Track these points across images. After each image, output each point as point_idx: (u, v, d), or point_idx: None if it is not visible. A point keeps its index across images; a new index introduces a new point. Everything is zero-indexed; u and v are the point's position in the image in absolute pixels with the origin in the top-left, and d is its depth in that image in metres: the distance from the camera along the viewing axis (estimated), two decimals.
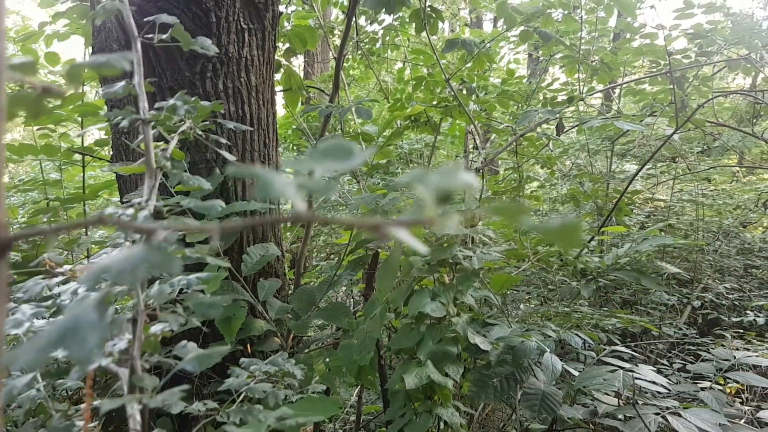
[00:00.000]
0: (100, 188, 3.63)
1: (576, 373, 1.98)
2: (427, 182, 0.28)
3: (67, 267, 0.89)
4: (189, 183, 0.98)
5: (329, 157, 0.31)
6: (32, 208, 3.32)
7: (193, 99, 0.98)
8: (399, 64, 6.65)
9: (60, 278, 0.86)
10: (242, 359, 1.03)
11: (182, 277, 0.81)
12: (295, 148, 6.20)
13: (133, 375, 0.62)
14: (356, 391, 3.27)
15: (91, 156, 3.52)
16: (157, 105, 0.88)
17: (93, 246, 3.31)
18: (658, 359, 3.73)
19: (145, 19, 0.90)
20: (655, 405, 1.82)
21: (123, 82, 0.81)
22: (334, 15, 7.93)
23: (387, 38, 5.05)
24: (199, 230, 0.30)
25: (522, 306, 3.70)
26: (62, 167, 3.76)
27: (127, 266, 0.29)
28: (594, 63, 3.03)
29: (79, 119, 3.57)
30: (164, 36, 0.90)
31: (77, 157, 3.61)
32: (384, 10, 2.28)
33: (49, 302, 0.84)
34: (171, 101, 0.91)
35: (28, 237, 0.32)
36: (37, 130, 3.95)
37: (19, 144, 3.35)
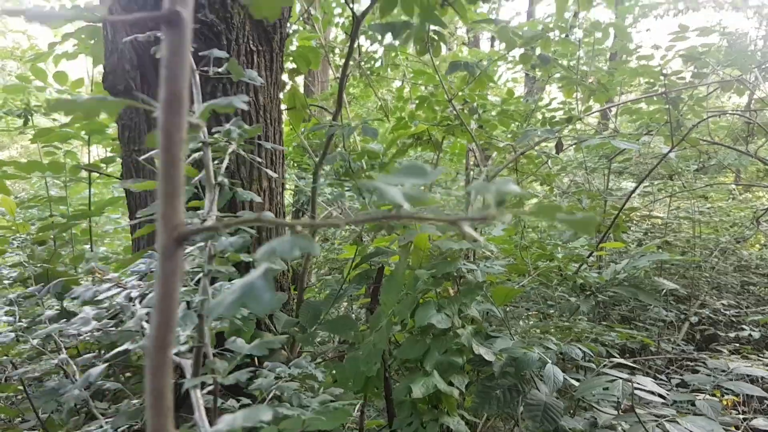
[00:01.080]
0: (105, 205, 3.69)
1: (577, 384, 2.04)
2: (490, 189, 0.34)
3: (114, 275, 0.95)
4: (243, 196, 1.08)
5: (411, 175, 0.38)
6: (41, 224, 3.37)
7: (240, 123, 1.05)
8: (397, 83, 6.75)
9: (108, 284, 0.92)
10: (266, 362, 1.08)
11: (224, 282, 0.88)
12: (296, 165, 6.26)
13: (206, 359, 0.68)
14: (358, 405, 3.30)
15: (98, 173, 3.58)
16: (214, 130, 0.94)
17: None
18: (657, 375, 3.77)
19: (200, 54, 0.97)
20: (652, 414, 1.87)
21: None
22: (333, 34, 8.05)
23: (388, 57, 5.15)
24: (330, 224, 0.37)
25: (521, 322, 3.74)
26: (67, 184, 3.81)
27: (286, 247, 0.37)
28: (591, 83, 3.12)
29: (85, 137, 3.64)
30: (220, 69, 0.97)
31: (81, 174, 3.67)
32: (390, 34, 2.37)
33: (106, 304, 0.91)
34: (227, 126, 0.98)
35: (203, 232, 0.40)
36: (43, 147, 4.02)
37: (27, 161, 3.41)
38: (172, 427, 0.39)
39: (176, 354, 0.73)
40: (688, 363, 4.03)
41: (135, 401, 0.97)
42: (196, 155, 0.85)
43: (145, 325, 0.82)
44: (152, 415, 0.39)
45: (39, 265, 1.68)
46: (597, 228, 3.52)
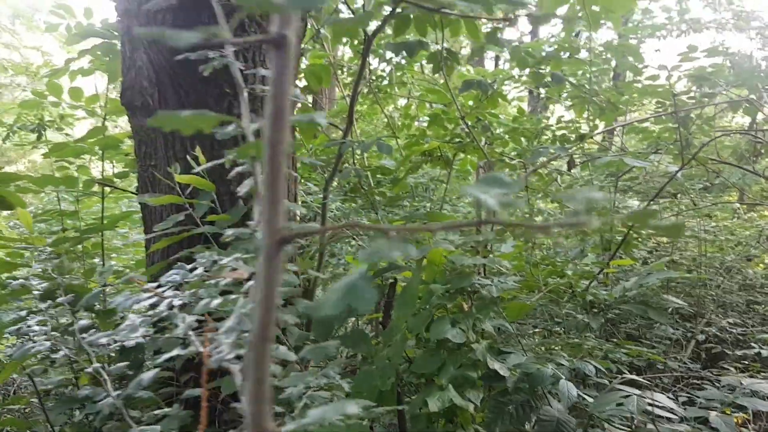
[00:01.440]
0: (118, 219, 3.72)
1: (591, 400, 2.05)
2: (578, 198, 0.37)
3: (151, 284, 0.98)
4: (287, 207, 1.10)
5: (493, 185, 0.41)
6: (55, 238, 3.40)
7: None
8: (402, 101, 6.82)
9: (148, 294, 0.95)
10: (293, 372, 1.11)
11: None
12: (303, 180, 6.29)
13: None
14: (366, 421, 3.30)
15: (113, 187, 3.62)
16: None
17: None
18: (663, 392, 3.77)
19: (245, 72, 1.00)
20: (668, 428, 1.89)
21: (233, 125, 0.89)
22: (340, 53, 8.16)
23: (397, 74, 5.22)
24: (424, 230, 0.40)
25: (524, 340, 3.74)
26: (79, 198, 3.85)
27: (386, 249, 0.40)
28: (601, 102, 3.17)
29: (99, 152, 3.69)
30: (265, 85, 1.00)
31: (94, 188, 3.70)
32: (404, 53, 2.41)
33: (150, 312, 0.93)
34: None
35: (304, 235, 0.43)
36: (55, 161, 4.07)
37: (41, 175, 3.45)
38: (270, 414, 0.41)
39: (225, 361, 0.76)
40: (695, 381, 4.02)
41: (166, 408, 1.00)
42: (239, 168, 0.88)
43: (190, 332, 0.85)
44: (253, 403, 0.41)
45: (67, 276, 1.71)
46: (606, 246, 3.54)
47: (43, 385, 2.90)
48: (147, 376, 0.87)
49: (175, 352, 0.84)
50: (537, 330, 3.87)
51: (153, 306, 0.92)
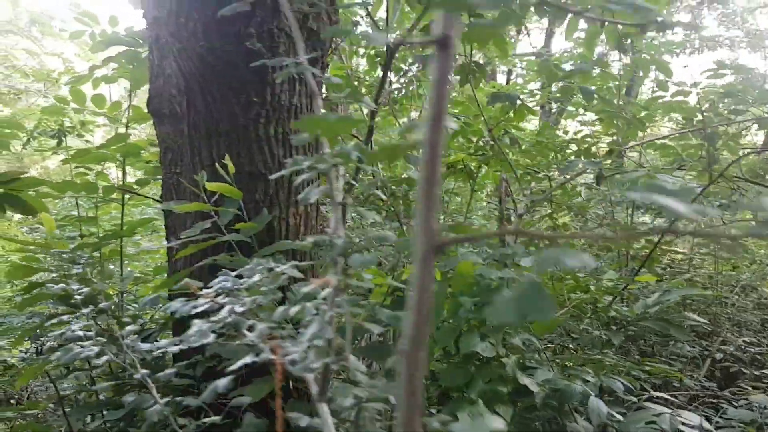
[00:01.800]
0: (136, 225, 3.73)
1: (620, 417, 2.03)
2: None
3: (207, 291, 0.98)
4: (365, 215, 1.10)
5: (662, 192, 0.41)
6: (78, 243, 3.41)
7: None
8: (414, 114, 6.85)
9: (204, 300, 0.95)
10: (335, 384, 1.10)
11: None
12: None
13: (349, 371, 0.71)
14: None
15: (134, 194, 3.63)
16: (333, 152, 0.96)
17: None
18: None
19: (315, 78, 1.00)
20: None
21: (307, 133, 0.89)
22: (354, 64, 8.21)
23: (411, 87, 5.25)
24: (595, 237, 0.40)
25: (539, 356, 3.70)
26: (98, 204, 3.87)
27: (561, 258, 0.40)
28: (627, 116, 3.17)
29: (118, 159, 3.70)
30: (343, 94, 1.01)
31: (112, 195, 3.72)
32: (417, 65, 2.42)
33: (214, 318, 0.93)
34: (347, 148, 1.00)
35: (458, 242, 0.43)
36: (74, 167, 4.09)
37: (62, 181, 3.46)
38: (421, 422, 0.41)
39: (304, 370, 0.75)
40: (712, 400, 3.98)
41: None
42: (304, 176, 0.88)
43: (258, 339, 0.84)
44: (405, 409, 0.41)
45: (108, 282, 1.71)
46: (624, 262, 3.53)
47: (61, 390, 2.89)
48: (221, 383, 0.87)
49: (248, 359, 0.84)
50: (550, 345, 3.85)
51: (209, 313, 0.91)
